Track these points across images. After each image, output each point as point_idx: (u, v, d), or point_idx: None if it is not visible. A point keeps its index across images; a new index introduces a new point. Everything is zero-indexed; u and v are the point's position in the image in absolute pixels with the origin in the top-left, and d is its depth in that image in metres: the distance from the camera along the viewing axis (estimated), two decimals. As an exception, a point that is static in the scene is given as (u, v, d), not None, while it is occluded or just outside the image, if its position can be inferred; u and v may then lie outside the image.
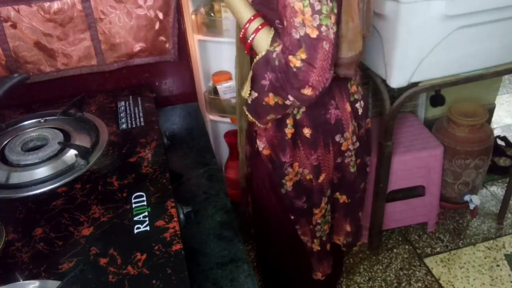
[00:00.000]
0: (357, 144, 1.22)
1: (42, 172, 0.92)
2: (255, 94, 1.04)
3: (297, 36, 0.91)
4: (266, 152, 1.19)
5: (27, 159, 0.95)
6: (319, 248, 1.33)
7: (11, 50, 1.14)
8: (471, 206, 1.98)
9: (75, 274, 0.67)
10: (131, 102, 1.19)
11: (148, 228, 0.78)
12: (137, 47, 1.23)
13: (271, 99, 1.02)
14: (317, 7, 0.88)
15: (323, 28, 0.89)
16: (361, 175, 1.31)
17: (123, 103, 1.19)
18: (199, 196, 0.98)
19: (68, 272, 0.70)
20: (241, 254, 0.84)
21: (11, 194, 0.88)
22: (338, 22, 0.97)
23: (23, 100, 1.21)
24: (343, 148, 1.18)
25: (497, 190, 2.22)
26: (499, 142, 2.38)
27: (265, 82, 1.01)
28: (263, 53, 1.00)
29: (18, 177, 0.92)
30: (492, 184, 2.27)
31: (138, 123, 1.09)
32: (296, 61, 0.92)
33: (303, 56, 0.91)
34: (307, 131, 1.14)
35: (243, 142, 1.34)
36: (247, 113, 1.12)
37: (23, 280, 0.71)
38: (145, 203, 0.84)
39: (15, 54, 1.15)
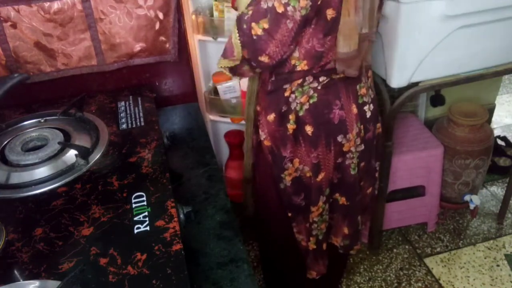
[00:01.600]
0: (362, 147, 1.22)
1: (42, 172, 0.92)
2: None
3: (265, 6, 0.96)
4: (267, 143, 1.20)
5: (27, 159, 0.95)
6: (315, 247, 1.33)
7: (11, 50, 1.14)
8: (471, 206, 1.98)
9: (75, 274, 0.67)
10: (131, 102, 1.19)
11: (148, 228, 0.78)
12: (137, 47, 1.23)
13: (245, 53, 1.05)
14: None
15: (289, 8, 0.95)
16: (368, 180, 1.30)
17: (123, 103, 1.19)
18: (199, 196, 0.98)
19: (68, 272, 0.70)
20: (241, 254, 0.84)
21: (11, 194, 0.88)
22: (319, 11, 0.99)
23: (23, 100, 1.21)
24: (344, 149, 1.18)
25: (497, 190, 2.22)
26: (499, 142, 2.38)
27: (241, 39, 1.03)
28: (239, 13, 1.03)
29: (18, 177, 0.92)
30: (492, 184, 2.26)
31: (138, 123, 1.09)
32: (257, 29, 0.98)
33: (265, 25, 0.97)
34: (309, 129, 1.14)
35: (250, 131, 1.34)
36: (227, 73, 1.14)
37: (23, 280, 0.71)
38: (145, 203, 0.84)
39: (15, 54, 1.15)
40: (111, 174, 0.92)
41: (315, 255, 1.35)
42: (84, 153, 0.96)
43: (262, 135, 1.20)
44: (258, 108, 1.22)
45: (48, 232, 0.79)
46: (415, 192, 1.92)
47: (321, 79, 1.11)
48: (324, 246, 1.36)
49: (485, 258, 1.88)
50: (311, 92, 1.12)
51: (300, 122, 1.14)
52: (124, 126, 1.09)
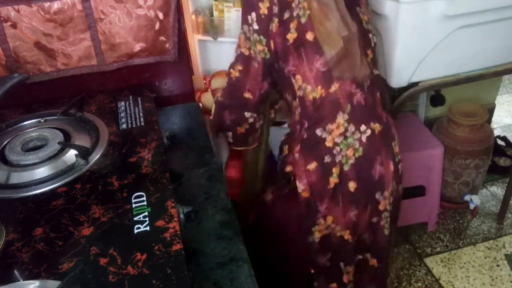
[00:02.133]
0: (391, 206, 1.19)
1: (42, 172, 0.92)
2: (214, 108, 1.33)
3: (236, 54, 1.18)
4: (305, 195, 1.15)
5: (27, 159, 0.95)
6: None
7: (11, 50, 1.14)
8: (471, 206, 1.98)
9: (75, 274, 0.67)
10: (131, 102, 1.19)
11: (148, 228, 0.78)
12: (137, 47, 1.23)
13: (241, 128, 1.29)
14: (248, 35, 1.12)
15: (252, 51, 1.14)
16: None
17: (123, 103, 1.19)
18: (199, 196, 0.98)
19: (68, 272, 0.70)
20: (242, 254, 0.84)
21: (11, 194, 0.88)
22: (300, 43, 1.09)
23: (23, 100, 1.21)
24: (380, 207, 1.15)
25: (497, 190, 2.22)
26: (499, 142, 2.38)
27: (227, 120, 1.29)
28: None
29: (18, 177, 0.92)
30: (492, 184, 2.26)
31: (138, 123, 1.09)
32: (235, 72, 1.19)
33: (240, 67, 1.18)
34: (352, 185, 1.11)
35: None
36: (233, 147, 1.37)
37: (23, 280, 0.70)
38: (145, 203, 0.83)
39: (15, 54, 1.15)
40: (111, 174, 0.92)
41: None
42: (84, 153, 0.96)
43: (300, 186, 1.14)
44: (292, 160, 1.17)
45: (48, 232, 0.79)
46: (415, 192, 1.93)
47: (362, 128, 1.10)
48: None
49: (485, 258, 1.88)
50: (357, 145, 1.10)
51: (345, 177, 1.11)
52: (124, 126, 1.09)
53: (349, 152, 1.10)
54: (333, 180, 1.11)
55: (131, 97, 1.21)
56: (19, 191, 0.89)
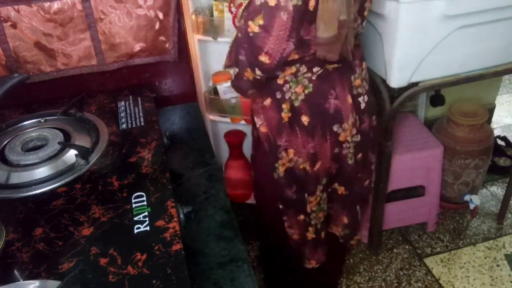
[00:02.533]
0: (358, 137, 1.22)
1: (42, 172, 0.92)
2: (236, 70, 1.12)
3: (258, 3, 0.98)
4: (263, 129, 1.20)
5: (27, 159, 0.95)
6: (314, 236, 1.33)
7: (11, 50, 1.14)
8: (471, 206, 1.98)
9: (75, 274, 0.67)
10: (131, 102, 1.19)
11: (148, 228, 0.78)
12: (137, 47, 1.23)
13: (249, 74, 1.09)
14: None
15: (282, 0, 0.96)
16: (365, 172, 1.31)
17: (123, 103, 1.19)
18: (199, 196, 0.98)
19: (68, 272, 0.70)
20: (241, 254, 0.84)
21: (11, 194, 0.88)
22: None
23: (23, 100, 1.21)
24: (341, 138, 1.19)
25: (497, 190, 2.22)
26: (499, 142, 2.38)
27: (242, 57, 1.07)
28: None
29: (18, 177, 0.92)
30: (492, 184, 2.26)
31: (138, 123, 1.09)
32: (254, 27, 1.00)
33: (261, 22, 0.99)
34: (305, 119, 1.15)
35: None
36: (232, 88, 1.20)
37: (23, 280, 0.71)
38: (145, 203, 0.84)
39: (15, 54, 1.15)
40: (111, 174, 0.92)
41: (314, 244, 1.36)
42: (84, 153, 0.96)
43: (258, 121, 1.20)
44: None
45: (48, 232, 0.79)
46: (415, 192, 1.92)
47: (315, 69, 1.12)
48: (323, 234, 1.37)
49: (485, 258, 1.88)
50: (306, 82, 1.13)
51: (296, 112, 1.15)
52: (124, 126, 1.09)
53: (299, 89, 1.13)
54: (286, 114, 1.15)
55: (131, 97, 1.21)
56: (19, 191, 0.89)
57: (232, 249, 0.85)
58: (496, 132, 2.48)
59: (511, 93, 3.04)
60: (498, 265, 1.84)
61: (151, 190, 0.87)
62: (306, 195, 1.25)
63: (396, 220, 1.95)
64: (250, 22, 1.00)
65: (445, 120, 1.94)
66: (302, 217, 1.29)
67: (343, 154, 1.22)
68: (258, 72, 1.08)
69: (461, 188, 1.96)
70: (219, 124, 1.98)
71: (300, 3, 0.97)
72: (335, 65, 1.13)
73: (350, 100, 1.16)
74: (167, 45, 1.26)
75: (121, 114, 1.14)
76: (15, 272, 0.72)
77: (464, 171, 1.90)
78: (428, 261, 1.88)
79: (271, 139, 1.20)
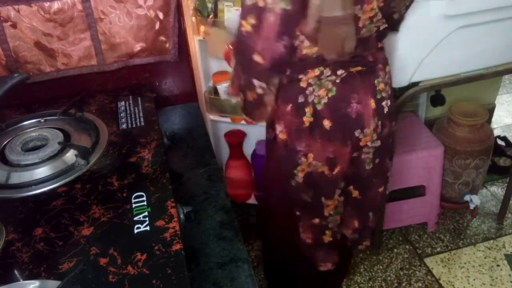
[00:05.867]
0: (378, 143, 1.21)
1: (42, 172, 0.92)
2: (241, 95, 1.14)
3: (250, 3, 0.98)
4: (282, 136, 1.18)
5: (27, 159, 0.95)
6: (331, 239, 1.32)
7: (11, 50, 1.14)
8: (471, 206, 1.98)
9: (75, 274, 0.67)
10: (131, 102, 1.19)
11: (148, 228, 0.78)
12: (137, 47, 1.23)
13: (250, 95, 1.11)
14: None
15: (269, 1, 0.96)
16: (380, 178, 1.30)
17: (123, 103, 1.19)
18: (199, 196, 0.98)
19: (68, 272, 0.70)
20: (241, 254, 0.84)
21: (11, 194, 0.88)
22: None
23: (23, 100, 1.21)
24: (361, 143, 1.17)
25: (497, 190, 2.22)
26: (499, 142, 2.38)
27: (242, 80, 1.09)
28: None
29: (18, 177, 0.92)
30: (492, 184, 2.26)
31: (138, 123, 1.09)
32: (246, 25, 1.00)
33: (253, 21, 0.99)
34: (327, 123, 1.13)
35: None
36: (246, 116, 1.20)
37: (23, 280, 0.70)
38: (145, 203, 0.83)
39: (15, 54, 1.15)
40: (111, 174, 0.92)
41: (330, 247, 1.34)
42: (84, 153, 0.96)
43: (278, 128, 1.18)
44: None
45: (48, 232, 0.79)
46: (415, 192, 1.93)
47: (339, 72, 1.10)
48: (339, 236, 1.35)
49: (485, 258, 1.88)
50: (330, 85, 1.11)
51: (318, 116, 1.13)
52: (124, 126, 1.09)
53: (322, 92, 1.11)
54: (308, 119, 1.13)
55: (131, 97, 1.21)
56: (19, 191, 0.89)
57: (232, 249, 0.85)
58: (496, 132, 2.48)
59: (511, 93, 3.04)
60: (498, 265, 1.84)
61: (151, 190, 0.86)
62: (323, 198, 1.23)
63: (397, 220, 1.95)
64: (243, 21, 1.00)
65: (445, 120, 1.94)
66: (317, 220, 1.27)
67: (361, 158, 1.20)
68: (256, 82, 1.08)
69: (461, 188, 1.96)
70: (219, 124, 1.98)
71: (289, 7, 0.97)
72: (359, 68, 1.12)
73: (373, 104, 1.14)
74: (167, 45, 1.26)
75: (121, 114, 1.14)
76: (15, 272, 0.72)
77: (464, 171, 1.90)
78: (428, 261, 1.88)
79: (289, 145, 1.18)
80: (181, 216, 0.84)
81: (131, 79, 1.30)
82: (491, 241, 1.96)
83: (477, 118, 1.85)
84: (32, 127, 1.08)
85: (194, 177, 1.04)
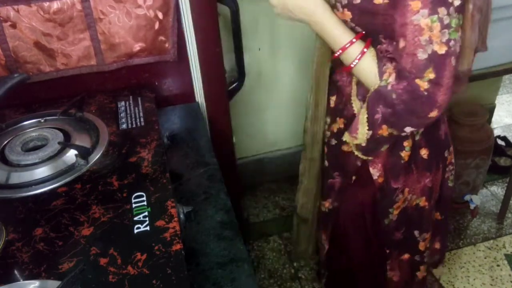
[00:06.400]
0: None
1: (42, 172, 0.92)
2: (369, 133, 0.95)
3: (425, 56, 0.82)
4: (380, 180, 1.06)
5: (27, 159, 0.95)
6: (424, 274, 1.26)
7: (10, 50, 1.14)
8: (472, 206, 1.98)
9: (75, 274, 0.67)
10: (131, 102, 1.19)
11: (148, 228, 0.78)
12: (137, 47, 1.23)
13: (384, 130, 0.93)
14: (446, 20, 0.79)
15: (452, 43, 0.81)
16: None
17: (123, 103, 1.19)
18: (199, 196, 0.98)
19: (68, 272, 0.70)
20: (242, 254, 0.84)
21: (11, 194, 0.88)
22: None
23: (23, 100, 1.21)
24: (447, 161, 1.13)
25: (497, 190, 2.22)
26: (499, 142, 2.38)
27: (378, 116, 0.92)
28: (375, 87, 0.91)
29: (18, 177, 0.91)
30: (492, 184, 2.26)
31: (138, 123, 1.09)
32: (424, 84, 0.84)
33: (431, 76, 0.83)
34: (424, 152, 1.05)
35: (314, 174, 1.23)
36: (360, 155, 1.02)
37: (23, 280, 0.70)
38: (145, 203, 0.83)
39: (15, 54, 1.15)
40: (111, 174, 0.92)
41: (422, 283, 1.28)
42: (84, 153, 0.96)
43: (375, 173, 1.05)
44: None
45: (48, 232, 0.79)
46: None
47: None
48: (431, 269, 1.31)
49: (485, 258, 1.88)
50: None
51: (415, 147, 1.04)
52: (124, 126, 1.09)
53: None
54: (406, 153, 1.04)
55: (131, 97, 1.21)
56: (19, 191, 0.88)
57: (232, 249, 0.85)
58: (496, 132, 2.48)
59: (511, 93, 3.04)
60: (498, 265, 1.84)
61: (151, 190, 0.86)
62: (417, 233, 1.16)
63: (396, 220, 1.94)
64: (418, 81, 0.85)
65: (445, 120, 1.94)
66: (406, 256, 1.20)
67: (445, 177, 1.15)
68: (413, 131, 0.95)
69: (461, 188, 1.96)
70: (219, 124, 1.97)
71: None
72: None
73: (446, 120, 1.11)
74: (166, 45, 1.26)
75: (121, 114, 1.14)
76: (15, 272, 0.72)
77: (465, 171, 1.90)
78: (428, 261, 1.88)
79: (385, 186, 1.07)
80: (181, 216, 0.84)
81: (130, 79, 1.30)
82: (491, 241, 1.96)
83: (477, 118, 1.85)
84: (32, 127, 1.08)
85: (194, 177, 1.04)
